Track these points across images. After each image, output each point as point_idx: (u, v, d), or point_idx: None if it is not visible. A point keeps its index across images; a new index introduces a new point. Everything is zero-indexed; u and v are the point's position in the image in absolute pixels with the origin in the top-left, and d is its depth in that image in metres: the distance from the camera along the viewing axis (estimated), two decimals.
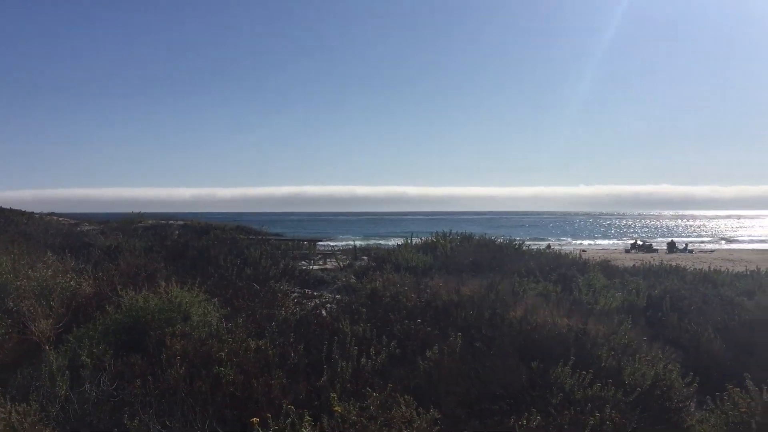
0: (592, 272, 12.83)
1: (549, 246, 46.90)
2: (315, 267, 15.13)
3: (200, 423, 5.21)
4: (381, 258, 15.44)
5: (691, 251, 51.71)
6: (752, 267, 16.34)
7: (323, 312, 9.06)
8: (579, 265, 13.92)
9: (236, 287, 10.24)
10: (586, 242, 75.36)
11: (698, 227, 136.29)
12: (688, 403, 7.26)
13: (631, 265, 15.78)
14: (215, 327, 7.62)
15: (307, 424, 4.74)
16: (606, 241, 78.47)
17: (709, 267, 16.80)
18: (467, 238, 16.59)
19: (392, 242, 20.27)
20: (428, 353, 6.67)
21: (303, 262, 15.65)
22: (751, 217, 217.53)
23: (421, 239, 17.72)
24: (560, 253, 16.66)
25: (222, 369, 5.90)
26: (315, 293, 11.42)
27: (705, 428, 6.56)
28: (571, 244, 66.22)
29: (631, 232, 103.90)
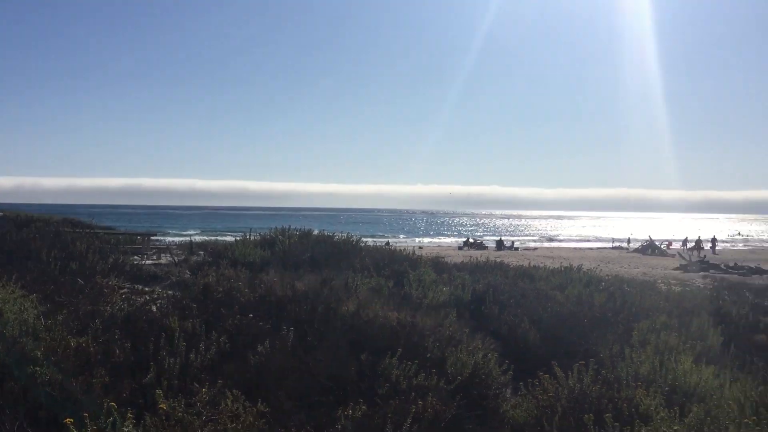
0: (423, 268, 13.41)
1: (388, 243, 48.22)
2: (148, 262, 14.59)
3: (9, 425, 4.90)
4: (218, 253, 15.18)
5: (517, 249, 55.11)
6: (567, 263, 17.82)
7: (153, 308, 8.77)
8: (411, 261, 14.47)
9: (58, 282, 9.65)
10: (424, 240, 78.13)
11: (524, 226, 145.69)
12: (504, 390, 7.81)
13: (460, 262, 16.61)
14: (32, 324, 7.15)
15: (129, 422, 4.60)
16: (441, 239, 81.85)
17: (530, 263, 18.10)
18: (306, 234, 16.67)
19: (231, 237, 19.93)
20: (259, 348, 6.68)
21: (135, 257, 15.05)
22: (570, 218, 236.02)
23: (260, 235, 17.61)
24: (395, 249, 17.19)
25: (37, 368, 5.57)
26: (147, 289, 11.03)
27: (518, 413, 7.10)
28: (409, 242, 68.35)
29: (465, 231, 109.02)
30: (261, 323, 7.63)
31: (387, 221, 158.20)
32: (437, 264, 15.31)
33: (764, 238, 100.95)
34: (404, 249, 17.17)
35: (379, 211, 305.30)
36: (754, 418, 5.60)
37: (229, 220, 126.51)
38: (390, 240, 59.01)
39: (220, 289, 8.70)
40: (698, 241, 52.44)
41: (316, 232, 17.42)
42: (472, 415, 6.83)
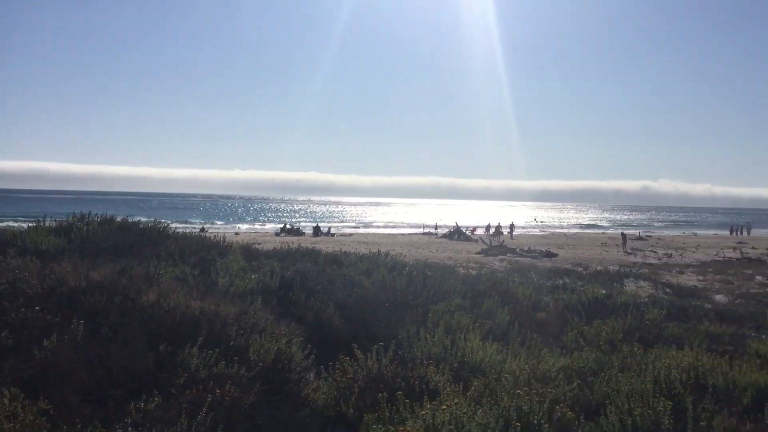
0: (232, 255, 13.26)
1: (203, 229, 46.90)
2: None
3: None
4: (5, 241, 13.93)
5: (333, 235, 56.04)
6: (377, 249, 18.43)
7: None
8: (221, 248, 14.23)
9: None
10: (242, 226, 76.85)
11: (342, 212, 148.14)
12: (307, 374, 7.99)
13: (272, 248, 16.61)
14: None
15: None
16: (259, 225, 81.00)
17: (341, 249, 18.51)
18: (108, 220, 15.76)
19: (25, 224, 18.37)
20: (45, 342, 6.30)
21: None
22: (385, 204, 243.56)
23: (57, 221, 16.40)
24: (204, 236, 16.79)
25: None
26: None
27: (318, 395, 7.32)
28: (226, 228, 66.94)
29: (283, 217, 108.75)
30: (49, 316, 7.16)
31: (203, 207, 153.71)
32: (248, 251, 15.19)
33: (556, 224, 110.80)
34: (216, 236, 16.84)
35: (193, 196, 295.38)
36: (526, 388, 6.21)
37: (25, 204, 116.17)
38: (206, 226, 57.43)
39: (3, 281, 8.03)
40: (498, 227, 56.41)
41: (119, 218, 16.55)
42: (273, 400, 6.93)
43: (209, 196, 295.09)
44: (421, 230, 67.51)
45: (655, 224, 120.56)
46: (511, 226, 59.25)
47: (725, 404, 6.53)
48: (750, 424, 5.33)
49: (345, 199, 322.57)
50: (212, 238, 15.92)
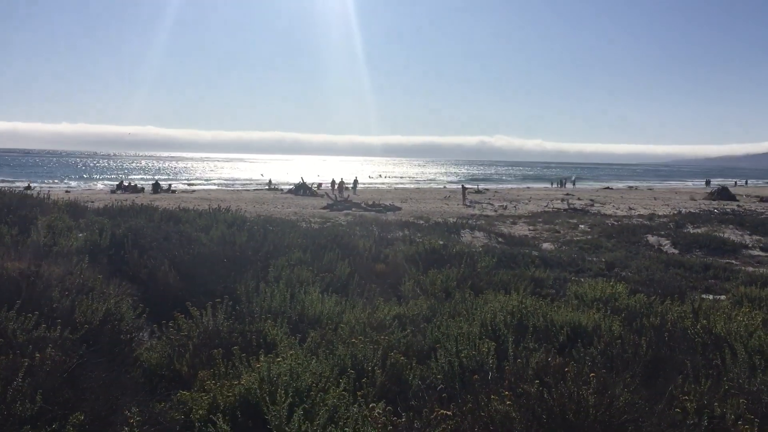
0: (56, 213, 12.38)
1: (29, 187, 43.28)
2: None
3: None
4: None
5: (174, 191, 54.03)
6: (219, 205, 17.96)
7: None
8: (45, 206, 13.25)
9: None
10: (74, 183, 72.09)
11: (184, 169, 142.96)
12: (139, 334, 7.69)
13: (104, 206, 15.72)
14: None
15: None
16: (94, 183, 76.29)
17: (179, 206, 17.87)
18: None
19: None
20: None
21: None
22: (229, 160, 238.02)
23: None
24: (27, 194, 15.55)
25: None
26: None
27: (152, 355, 7.06)
28: (58, 186, 62.54)
29: (120, 173, 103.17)
30: None
31: (32, 163, 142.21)
32: (75, 208, 14.26)
33: (400, 178, 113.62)
34: (39, 193, 15.65)
35: (11, 151, 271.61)
36: (361, 337, 6.35)
37: None
38: (33, 185, 53.19)
39: None
40: (341, 183, 56.83)
41: None
42: (101, 362, 6.60)
43: (28, 152, 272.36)
44: (266, 186, 66.75)
45: (493, 178, 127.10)
46: (355, 182, 59.97)
47: (544, 342, 7.05)
48: (559, 359, 5.78)
49: (186, 155, 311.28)
50: (36, 196, 14.78)
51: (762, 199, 56.72)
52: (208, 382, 5.53)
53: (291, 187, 57.11)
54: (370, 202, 40.28)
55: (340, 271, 10.56)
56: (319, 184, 61.24)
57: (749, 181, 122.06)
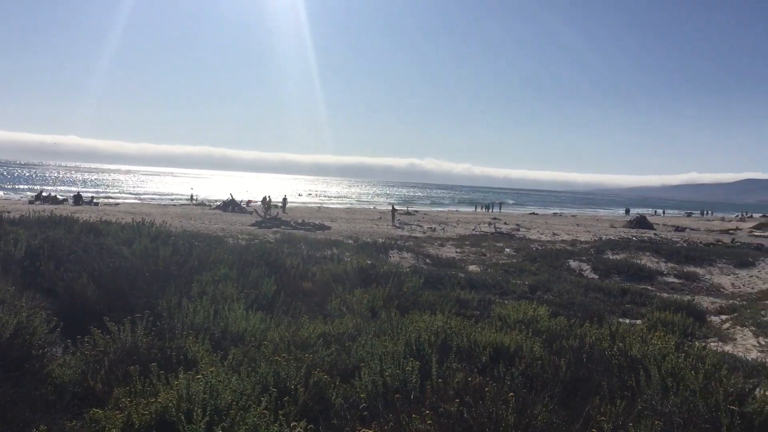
0: None
1: None
2: None
3: None
4: None
5: (97, 204, 52.41)
6: (143, 218, 17.47)
7: None
8: None
9: None
10: None
11: (108, 181, 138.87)
12: (52, 349, 7.38)
13: (19, 217, 15.10)
14: None
15: None
16: (9, 194, 73.10)
17: (101, 219, 17.32)
18: None
19: None
20: None
21: None
22: (156, 174, 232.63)
23: None
24: None
25: None
26: None
27: (64, 371, 6.78)
28: None
29: (40, 183, 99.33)
30: None
31: None
32: None
33: (330, 198, 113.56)
34: None
35: None
36: (284, 355, 6.28)
37: None
38: None
39: None
40: (268, 200, 56.16)
41: None
42: (10, 377, 6.31)
43: None
44: (194, 201, 65.51)
45: (422, 200, 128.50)
46: (284, 200, 59.50)
47: (467, 362, 7.13)
48: (480, 378, 5.86)
49: (110, 167, 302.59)
50: None
51: (677, 228, 59.29)
52: (124, 399, 5.35)
53: (219, 203, 56.21)
54: (300, 221, 40.05)
55: (266, 289, 10.43)
56: (248, 201, 60.49)
57: (667, 211, 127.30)
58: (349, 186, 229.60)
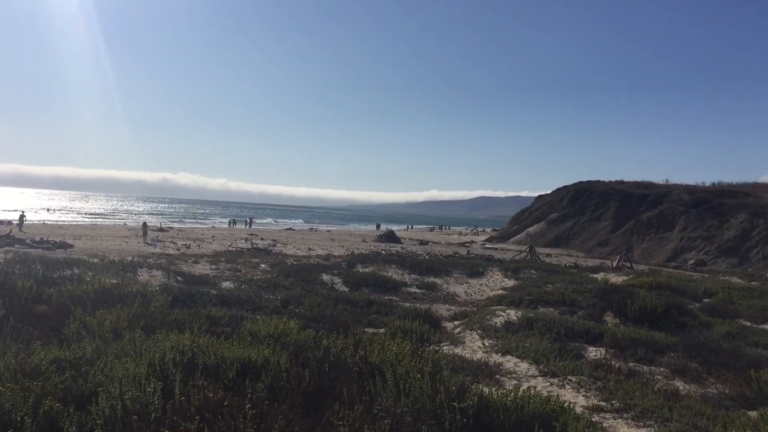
0: None
1: None
2: None
3: None
4: None
5: None
6: None
7: None
8: None
9: None
10: None
11: None
12: None
13: None
14: None
15: None
16: None
17: None
18: None
19: None
20: None
21: None
22: None
23: None
24: None
25: None
26: None
27: None
28: None
29: None
30: None
31: None
32: None
33: (75, 214, 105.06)
34: None
35: None
36: (9, 384, 5.81)
37: None
38: None
39: None
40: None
41: None
42: None
43: None
44: None
45: (177, 216, 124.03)
46: (21, 216, 54.01)
47: (214, 379, 7.13)
48: (221, 394, 5.91)
49: None
50: None
51: (421, 242, 64.03)
52: None
53: None
54: (38, 239, 36.64)
55: None
56: None
57: (415, 226, 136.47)
58: (97, 201, 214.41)
